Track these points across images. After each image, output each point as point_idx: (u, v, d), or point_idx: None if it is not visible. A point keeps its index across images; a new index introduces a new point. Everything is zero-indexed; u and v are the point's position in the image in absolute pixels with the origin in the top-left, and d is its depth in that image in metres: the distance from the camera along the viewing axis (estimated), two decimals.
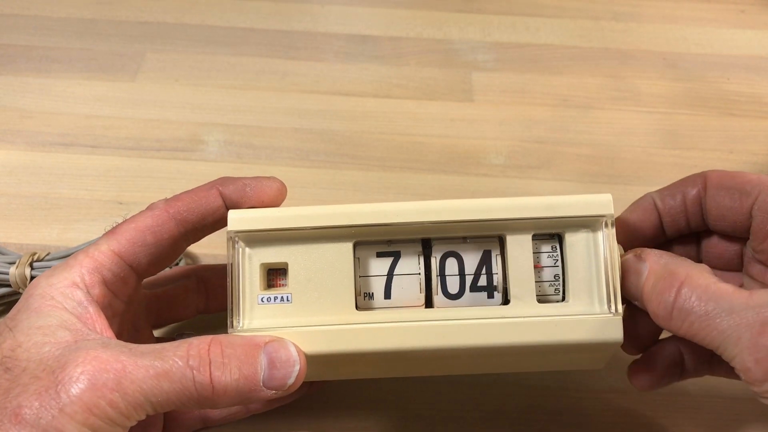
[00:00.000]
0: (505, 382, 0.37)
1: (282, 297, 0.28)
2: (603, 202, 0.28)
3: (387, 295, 0.29)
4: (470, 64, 0.55)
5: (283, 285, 0.28)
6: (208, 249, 0.41)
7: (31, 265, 0.37)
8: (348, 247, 0.28)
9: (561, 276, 0.28)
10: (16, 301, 0.38)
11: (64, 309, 0.26)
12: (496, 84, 0.54)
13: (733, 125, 0.52)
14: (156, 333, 0.36)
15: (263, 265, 0.28)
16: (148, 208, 0.30)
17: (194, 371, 0.24)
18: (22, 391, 0.23)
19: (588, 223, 0.28)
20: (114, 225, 0.30)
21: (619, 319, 0.28)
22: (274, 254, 0.28)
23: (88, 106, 0.51)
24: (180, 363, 0.24)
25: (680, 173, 0.47)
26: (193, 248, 0.42)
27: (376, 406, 0.36)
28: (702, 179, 0.31)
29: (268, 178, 0.31)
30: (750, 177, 0.30)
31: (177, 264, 0.40)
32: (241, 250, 0.28)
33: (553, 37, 0.58)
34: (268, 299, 0.28)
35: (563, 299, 0.28)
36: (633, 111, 0.52)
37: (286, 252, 0.28)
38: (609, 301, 0.28)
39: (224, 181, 0.31)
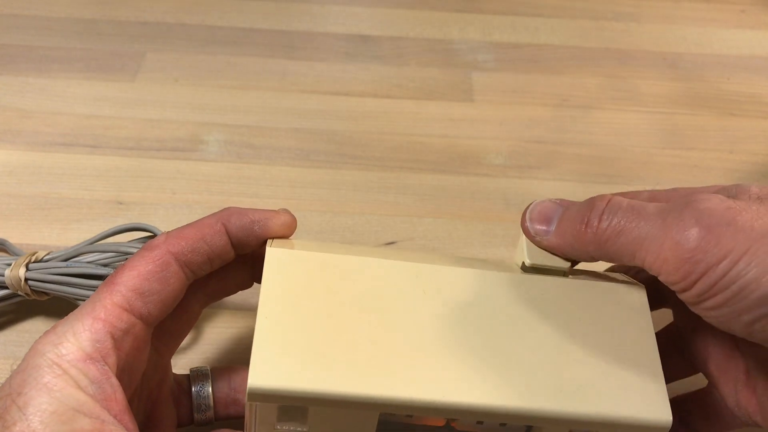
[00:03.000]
0: None
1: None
2: (662, 409, 0.26)
3: None
4: (470, 64, 0.55)
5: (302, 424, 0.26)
6: None
7: (27, 266, 0.36)
8: (373, 416, 0.26)
9: None
10: (17, 303, 0.38)
11: (79, 388, 0.24)
12: (496, 84, 0.54)
13: (733, 125, 0.52)
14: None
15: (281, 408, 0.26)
16: (145, 249, 0.27)
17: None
18: None
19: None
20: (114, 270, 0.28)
21: None
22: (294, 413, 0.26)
23: (88, 106, 0.51)
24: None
25: (680, 173, 0.48)
26: None
27: None
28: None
29: (277, 212, 0.29)
30: None
31: None
32: (259, 407, 0.26)
33: (553, 37, 0.58)
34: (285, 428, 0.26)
35: None
36: (633, 111, 0.52)
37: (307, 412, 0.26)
38: None
39: (230, 214, 0.29)
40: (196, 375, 0.32)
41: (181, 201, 0.45)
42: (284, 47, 0.56)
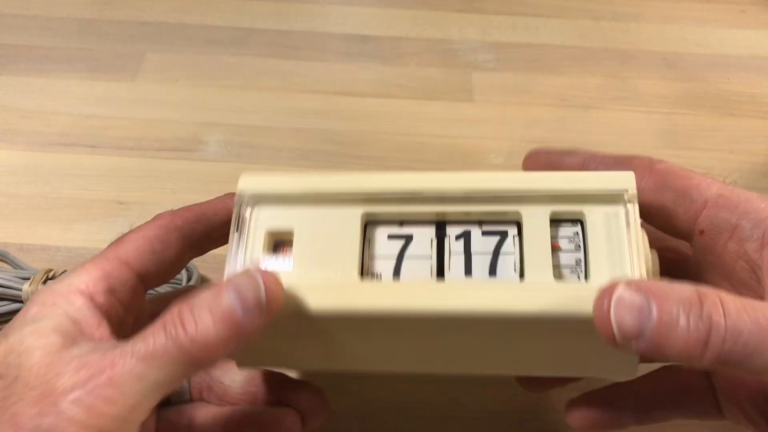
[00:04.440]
0: (506, 383, 0.37)
1: (284, 262, 0.27)
2: (624, 178, 0.27)
3: (396, 276, 0.27)
4: (470, 64, 0.55)
5: (287, 252, 0.28)
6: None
7: (44, 282, 0.37)
8: (356, 214, 0.27)
9: (583, 259, 0.27)
10: None
11: (64, 313, 0.26)
12: (496, 84, 0.54)
13: (733, 125, 0.52)
14: None
15: (269, 233, 0.28)
16: (154, 218, 0.30)
17: (172, 339, 0.24)
18: (17, 399, 0.23)
19: (609, 200, 0.27)
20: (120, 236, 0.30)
21: None
22: (280, 218, 0.28)
23: (88, 106, 0.51)
24: (159, 337, 0.24)
25: None
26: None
27: (375, 405, 0.36)
28: (648, 169, 0.29)
29: None
30: (698, 181, 0.28)
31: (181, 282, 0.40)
32: (248, 210, 0.28)
33: (553, 37, 0.58)
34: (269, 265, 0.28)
35: (586, 279, 0.27)
36: (633, 111, 0.52)
37: (293, 215, 0.28)
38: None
39: (233, 196, 0.30)
40: None
41: (181, 201, 0.45)
42: (284, 47, 0.56)
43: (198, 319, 0.24)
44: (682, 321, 0.21)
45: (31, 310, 0.26)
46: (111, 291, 0.27)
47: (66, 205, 0.45)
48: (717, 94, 0.54)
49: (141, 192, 0.45)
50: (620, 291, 0.22)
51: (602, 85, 0.54)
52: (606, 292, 0.22)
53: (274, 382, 0.31)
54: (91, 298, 0.26)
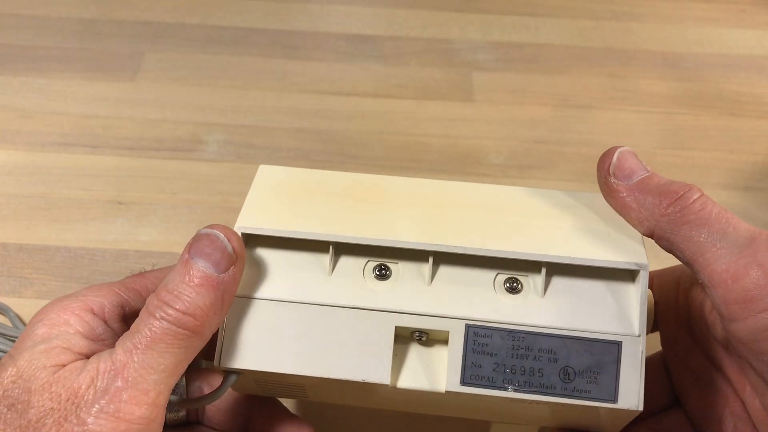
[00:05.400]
0: None
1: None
2: (637, 254, 0.27)
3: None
4: (470, 63, 0.55)
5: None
6: None
7: None
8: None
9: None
10: None
11: (77, 333, 0.25)
12: (497, 84, 0.54)
13: (733, 125, 0.52)
14: None
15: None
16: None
17: (166, 320, 0.24)
18: (39, 426, 0.22)
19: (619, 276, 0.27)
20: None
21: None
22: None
23: (87, 106, 0.51)
24: (153, 323, 0.24)
25: (680, 173, 0.48)
26: None
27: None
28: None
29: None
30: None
31: None
32: None
33: (553, 37, 0.58)
34: None
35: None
36: (633, 111, 0.52)
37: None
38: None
39: None
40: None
41: (181, 201, 0.45)
42: (284, 47, 0.56)
43: (180, 294, 0.24)
44: (664, 178, 0.27)
45: (39, 330, 0.25)
46: (125, 318, 0.27)
47: (65, 205, 0.45)
48: (717, 93, 0.54)
49: (140, 192, 0.45)
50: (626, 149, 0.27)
51: (602, 84, 0.54)
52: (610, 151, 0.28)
53: (263, 411, 0.31)
54: (106, 323, 0.26)
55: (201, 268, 0.24)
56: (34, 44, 0.55)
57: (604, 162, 0.28)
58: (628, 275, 0.27)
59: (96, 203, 0.45)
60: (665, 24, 0.59)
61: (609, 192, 0.27)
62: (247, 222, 0.28)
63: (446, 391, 0.26)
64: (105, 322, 0.26)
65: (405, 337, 0.27)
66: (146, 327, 0.24)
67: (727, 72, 0.55)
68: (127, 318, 0.27)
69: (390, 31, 0.58)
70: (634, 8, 0.61)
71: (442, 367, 0.27)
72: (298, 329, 0.27)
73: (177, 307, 0.24)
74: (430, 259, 0.27)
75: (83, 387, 0.23)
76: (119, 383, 0.23)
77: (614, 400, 0.26)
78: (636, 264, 0.26)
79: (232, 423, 0.31)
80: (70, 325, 0.25)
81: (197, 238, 0.25)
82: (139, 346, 0.23)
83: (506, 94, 0.53)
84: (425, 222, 0.28)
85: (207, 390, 0.31)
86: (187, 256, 0.25)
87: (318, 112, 0.51)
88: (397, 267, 0.28)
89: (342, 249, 0.28)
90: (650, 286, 0.31)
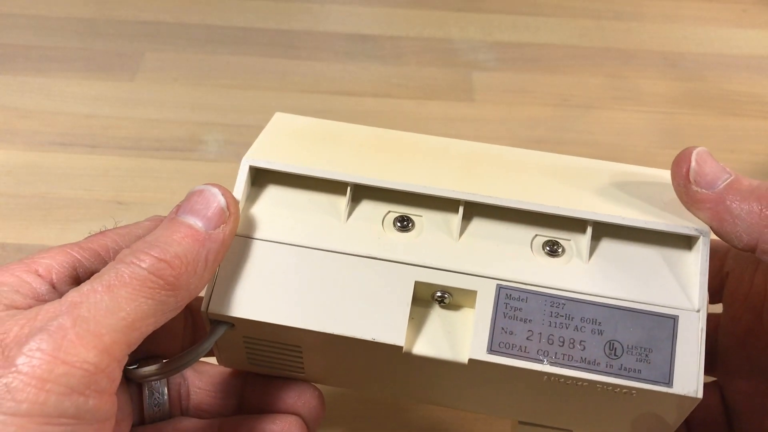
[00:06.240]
0: None
1: None
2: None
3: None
4: (471, 63, 0.55)
5: None
6: None
7: None
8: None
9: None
10: None
11: (17, 292, 0.21)
12: (497, 83, 0.54)
13: (734, 125, 0.51)
14: None
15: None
16: (146, 219, 0.26)
17: (139, 265, 0.21)
18: None
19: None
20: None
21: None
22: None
23: (87, 105, 0.51)
24: (125, 266, 0.20)
25: None
26: None
27: (376, 404, 0.36)
28: None
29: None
30: None
31: None
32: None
33: (553, 37, 0.58)
34: None
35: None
36: (634, 111, 0.52)
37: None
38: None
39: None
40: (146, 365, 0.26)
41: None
42: (284, 47, 0.56)
43: (156, 242, 0.21)
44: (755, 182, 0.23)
45: None
46: (78, 280, 0.23)
47: (65, 205, 0.44)
48: (718, 93, 0.54)
49: (140, 192, 0.45)
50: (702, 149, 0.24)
51: (603, 84, 0.54)
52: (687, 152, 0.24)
53: (258, 382, 0.28)
54: (53, 287, 0.23)
55: (188, 222, 0.22)
56: (34, 44, 0.55)
57: (680, 167, 0.24)
58: (686, 242, 0.24)
59: (95, 203, 0.45)
60: (666, 24, 0.59)
61: (692, 203, 0.24)
62: (257, 155, 0.25)
63: (470, 361, 0.22)
64: (52, 284, 0.22)
65: (425, 300, 0.24)
66: (112, 271, 0.20)
67: (728, 72, 0.55)
68: (82, 280, 0.23)
69: (390, 30, 0.58)
70: (635, 8, 0.61)
71: (467, 334, 0.23)
72: (303, 277, 0.23)
73: (152, 252, 0.21)
74: (460, 210, 0.24)
75: (17, 327, 0.19)
76: (65, 321, 0.19)
77: (668, 383, 0.22)
78: (696, 229, 0.23)
79: (224, 403, 0.28)
80: (8, 285, 0.22)
81: (189, 196, 0.23)
82: (98, 288, 0.20)
83: (506, 94, 0.53)
84: (456, 172, 0.25)
85: (187, 384, 0.28)
86: (174, 214, 0.22)
87: (318, 111, 0.51)
88: (422, 221, 0.24)
89: (360, 194, 0.25)
90: (725, 258, 0.29)
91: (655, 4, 0.61)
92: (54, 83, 0.52)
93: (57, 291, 0.22)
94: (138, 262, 0.21)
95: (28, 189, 0.45)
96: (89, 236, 0.25)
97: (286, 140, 0.26)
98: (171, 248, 0.21)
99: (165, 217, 0.25)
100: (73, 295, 0.20)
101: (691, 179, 0.23)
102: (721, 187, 0.23)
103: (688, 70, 0.55)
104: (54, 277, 0.23)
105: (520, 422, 0.27)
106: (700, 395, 0.22)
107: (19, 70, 0.53)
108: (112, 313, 0.19)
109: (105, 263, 0.23)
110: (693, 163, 0.24)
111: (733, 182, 0.23)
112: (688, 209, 0.24)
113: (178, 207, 0.23)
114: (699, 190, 0.23)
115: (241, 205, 0.25)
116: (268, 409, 0.27)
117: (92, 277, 0.21)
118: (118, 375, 0.20)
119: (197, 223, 0.22)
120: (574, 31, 0.58)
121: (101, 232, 0.25)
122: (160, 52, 0.55)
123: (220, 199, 0.23)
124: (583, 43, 0.57)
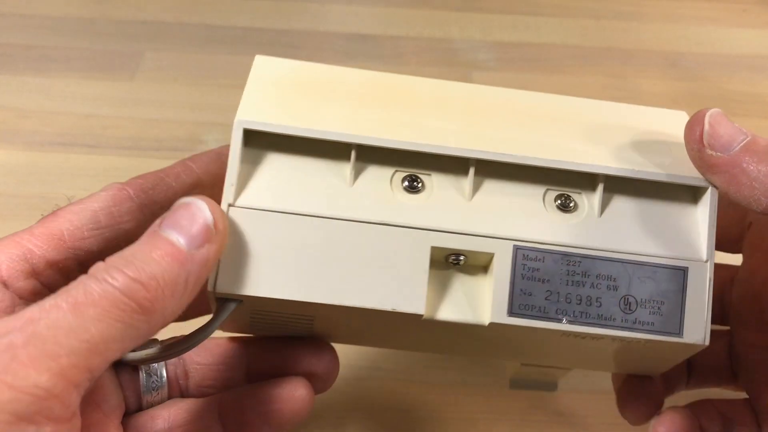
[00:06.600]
0: (506, 382, 0.37)
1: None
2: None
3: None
4: (471, 63, 0.55)
5: None
6: None
7: None
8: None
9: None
10: None
11: None
12: (497, 83, 0.54)
13: None
14: None
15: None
16: (102, 189, 0.24)
17: (111, 284, 0.18)
18: None
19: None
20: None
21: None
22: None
23: (86, 105, 0.50)
24: (94, 283, 0.18)
25: None
26: None
27: (376, 403, 0.36)
28: None
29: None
30: None
31: None
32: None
33: (554, 37, 0.58)
34: None
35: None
36: None
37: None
38: None
39: (195, 156, 0.26)
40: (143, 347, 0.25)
41: None
42: (284, 46, 0.56)
43: (133, 259, 0.19)
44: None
45: None
46: (34, 273, 0.22)
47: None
48: (719, 93, 0.54)
49: None
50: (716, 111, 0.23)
51: (603, 84, 0.54)
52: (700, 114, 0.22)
53: (266, 347, 0.26)
54: (4, 283, 0.21)
55: (170, 239, 0.20)
56: (33, 43, 0.55)
57: (693, 130, 0.23)
58: (695, 193, 0.24)
59: None
60: (666, 23, 0.59)
61: (707, 167, 0.23)
62: (249, 116, 0.23)
63: (490, 324, 0.23)
64: (2, 281, 0.21)
65: (438, 262, 0.23)
66: (81, 287, 0.18)
67: (728, 72, 0.55)
68: (39, 272, 0.22)
69: (390, 30, 0.58)
70: (636, 7, 0.61)
71: (485, 296, 0.23)
72: (314, 248, 0.22)
73: (126, 271, 0.19)
74: (471, 169, 0.23)
75: None
76: (16, 338, 0.17)
77: (679, 333, 0.23)
78: (704, 180, 0.24)
79: (229, 376, 0.26)
80: None
81: (175, 208, 0.21)
82: (62, 305, 0.18)
83: None
84: (464, 126, 0.24)
85: (183, 363, 0.26)
86: (157, 227, 0.20)
87: None
88: (431, 180, 0.24)
89: (365, 155, 0.23)
90: (749, 220, 0.28)
91: (655, 4, 0.61)
92: (53, 83, 0.52)
93: (9, 288, 0.21)
94: (111, 280, 0.18)
95: (28, 189, 0.45)
96: (41, 219, 0.23)
97: (277, 92, 0.25)
98: (148, 267, 0.19)
99: (122, 184, 0.24)
100: (33, 309, 0.18)
101: (705, 143, 0.22)
102: (736, 149, 0.22)
103: (688, 70, 0.55)
104: (4, 272, 0.21)
105: (523, 363, 0.27)
106: (707, 342, 0.23)
107: (19, 69, 0.53)
108: (75, 333, 0.17)
109: (62, 249, 0.22)
110: (706, 126, 0.22)
111: (750, 143, 0.22)
112: (703, 175, 0.23)
113: (163, 218, 0.21)
114: (713, 153, 0.22)
115: (236, 171, 0.23)
116: (278, 372, 0.26)
117: (58, 291, 0.19)
118: (74, 402, 0.18)
119: (179, 240, 0.20)
120: (574, 31, 0.58)
121: (53, 213, 0.23)
122: (160, 52, 0.55)
123: (207, 216, 0.20)
124: (583, 42, 0.57)
